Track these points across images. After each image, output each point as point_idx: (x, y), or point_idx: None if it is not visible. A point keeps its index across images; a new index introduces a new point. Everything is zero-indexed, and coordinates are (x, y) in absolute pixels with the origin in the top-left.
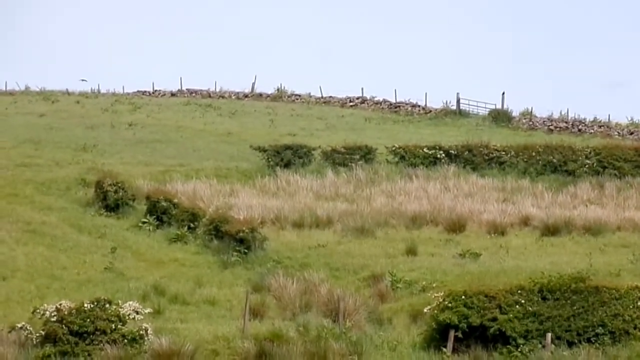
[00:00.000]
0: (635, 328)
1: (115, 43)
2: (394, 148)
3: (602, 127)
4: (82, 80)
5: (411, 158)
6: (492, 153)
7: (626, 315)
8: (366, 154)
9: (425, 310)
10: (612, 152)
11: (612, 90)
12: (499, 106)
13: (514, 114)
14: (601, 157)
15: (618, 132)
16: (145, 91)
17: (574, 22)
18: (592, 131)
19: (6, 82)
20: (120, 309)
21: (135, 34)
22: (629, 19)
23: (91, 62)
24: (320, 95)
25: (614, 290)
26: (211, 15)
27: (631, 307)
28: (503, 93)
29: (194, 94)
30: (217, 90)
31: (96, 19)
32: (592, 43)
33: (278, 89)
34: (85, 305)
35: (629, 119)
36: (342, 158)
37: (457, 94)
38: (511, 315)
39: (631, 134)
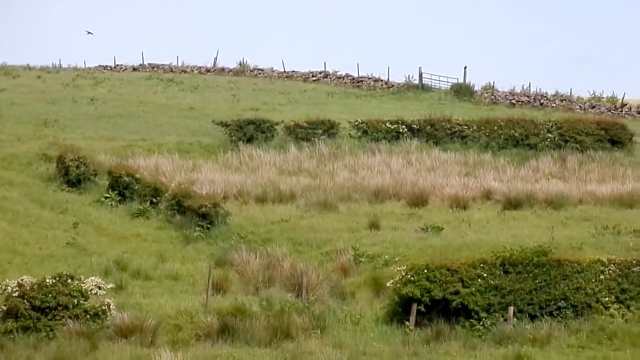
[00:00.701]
0: (597, 302)
1: (76, 17)
2: (356, 123)
3: (564, 101)
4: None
5: (374, 133)
6: (454, 127)
7: (588, 289)
8: (329, 129)
9: (388, 284)
10: (574, 125)
11: (578, 65)
12: (461, 80)
13: (476, 88)
14: (563, 131)
15: (580, 105)
16: (107, 66)
17: None
18: (554, 105)
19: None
20: (82, 284)
21: (97, 7)
22: None
23: (52, 36)
24: (282, 70)
25: (576, 264)
26: None
27: (593, 280)
28: (465, 67)
29: (155, 69)
30: (179, 64)
31: None
32: (558, 18)
33: (240, 64)
34: (47, 280)
35: (591, 92)
36: (304, 133)
37: (420, 68)
38: (473, 289)
39: (593, 107)
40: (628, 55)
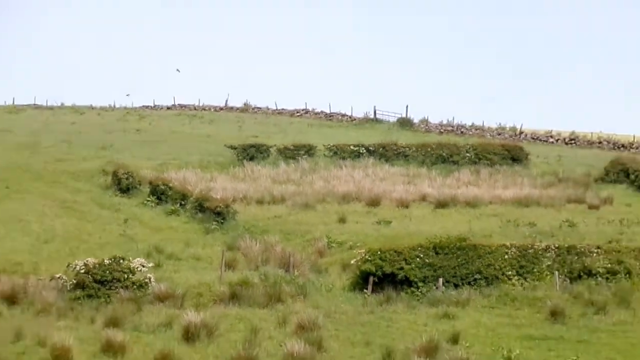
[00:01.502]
0: (503, 274)
1: (125, 68)
2: (329, 146)
3: (478, 130)
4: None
5: (341, 153)
6: (399, 149)
7: (496, 265)
8: (309, 150)
9: (352, 262)
10: (485, 147)
11: (486, 103)
12: (404, 115)
13: (414, 121)
14: (477, 152)
15: (489, 133)
16: (148, 105)
17: (457, 51)
18: (471, 133)
19: (47, 100)
20: (130, 264)
21: (141, 62)
22: (499, 51)
23: (109, 82)
24: (275, 108)
25: (487, 247)
26: (193, 47)
27: (500, 259)
28: (407, 106)
29: (183, 108)
30: (200, 104)
31: (112, 48)
32: (474, 66)
33: (245, 104)
34: (105, 261)
35: (498, 123)
36: (291, 153)
37: (374, 106)
38: (413, 266)
39: (499, 134)
40: (524, 97)
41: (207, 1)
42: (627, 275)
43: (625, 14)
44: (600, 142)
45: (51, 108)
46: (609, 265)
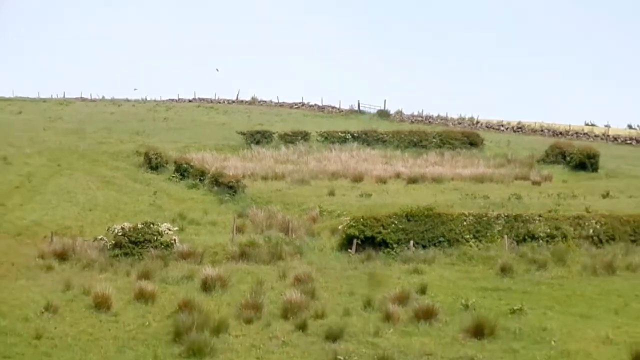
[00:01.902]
0: (462, 237)
1: (153, 65)
2: (321, 132)
3: (442, 120)
4: (217, 69)
5: (331, 138)
6: (378, 135)
7: (457, 230)
8: (304, 136)
9: (339, 227)
10: (448, 134)
11: (451, 98)
12: (382, 107)
13: (391, 112)
14: (442, 138)
15: (452, 123)
16: (173, 99)
17: (426, 54)
18: (437, 122)
19: (90, 94)
20: (159, 228)
21: (166, 61)
22: (460, 54)
23: (141, 77)
24: (277, 101)
25: (449, 215)
26: (211, 49)
27: (459, 225)
28: (385, 100)
29: (202, 100)
30: (216, 98)
31: (143, 46)
32: (441, 66)
33: (252, 98)
34: (139, 225)
35: (458, 115)
36: (290, 138)
37: (358, 100)
38: (389, 230)
39: (460, 124)
40: (480, 92)
41: (220, 16)
42: (564, 238)
43: (565, 14)
44: (542, 130)
45: (94, 100)
46: (549, 230)
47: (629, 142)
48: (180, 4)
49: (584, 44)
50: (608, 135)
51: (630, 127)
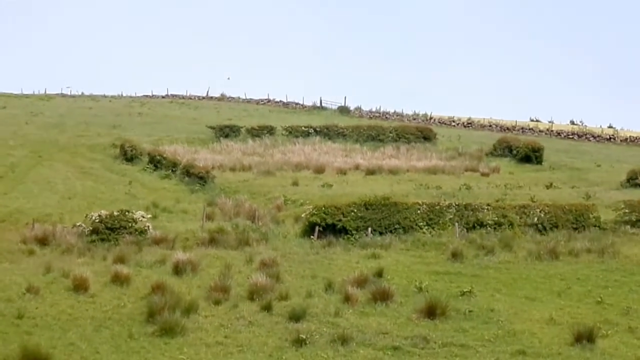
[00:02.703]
0: (416, 225)
1: (130, 63)
2: (286, 127)
3: (398, 116)
4: (228, 78)
5: (295, 132)
6: (339, 130)
7: (411, 218)
8: (270, 130)
9: (302, 215)
10: (404, 129)
11: (407, 96)
12: (342, 104)
13: (351, 108)
14: (398, 132)
15: (407, 119)
16: (148, 95)
17: (384, 54)
18: (393, 118)
19: (70, 90)
20: (133, 215)
21: (140, 58)
22: (413, 54)
23: (118, 74)
24: (245, 98)
25: (404, 204)
26: (182, 48)
27: (414, 213)
28: (345, 97)
29: (175, 97)
30: (187, 94)
31: (120, 45)
32: (399, 66)
33: (221, 94)
34: (115, 213)
35: (413, 111)
36: (257, 132)
37: (320, 97)
38: (349, 218)
39: (414, 119)
40: (433, 90)
41: (195, 13)
42: (510, 226)
43: (509, 13)
44: (490, 126)
45: (74, 96)
46: (496, 218)
47: (571, 136)
48: (156, 5)
49: (529, 43)
50: (552, 131)
51: (572, 122)
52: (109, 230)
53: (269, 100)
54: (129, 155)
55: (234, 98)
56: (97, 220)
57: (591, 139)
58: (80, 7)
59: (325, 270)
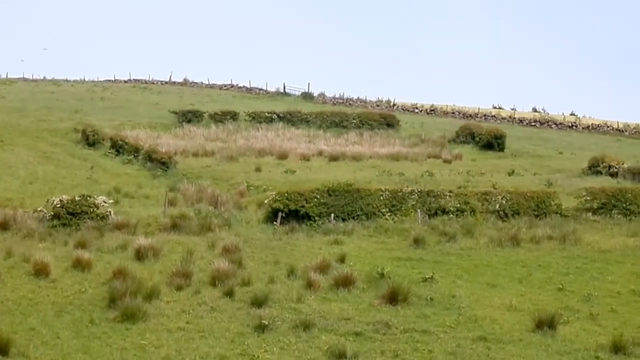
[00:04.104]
0: (378, 211)
1: (90, 47)
2: (249, 112)
3: (361, 102)
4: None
5: (258, 118)
6: (302, 116)
7: (374, 204)
8: (233, 116)
9: (265, 201)
10: (367, 116)
11: (371, 83)
12: (306, 90)
13: (314, 94)
14: (361, 119)
15: (370, 105)
16: (110, 79)
17: (347, 39)
18: (357, 105)
19: (32, 74)
20: (95, 200)
21: (102, 43)
22: (378, 39)
23: (81, 58)
24: (208, 83)
25: (367, 190)
26: (145, 32)
27: (376, 199)
28: (309, 82)
29: (137, 81)
30: (150, 79)
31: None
32: (358, 52)
33: (184, 79)
34: (76, 198)
35: (377, 97)
36: (220, 117)
37: (284, 83)
38: (312, 204)
39: (378, 106)
40: (397, 77)
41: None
42: (472, 212)
43: (476, 2)
44: (453, 113)
45: (36, 81)
46: (458, 205)
47: (533, 124)
48: None
49: (492, 30)
50: (514, 118)
51: (535, 110)
52: (70, 215)
53: (232, 86)
54: (90, 140)
55: (197, 83)
56: (58, 205)
57: (553, 126)
58: None
59: (288, 256)
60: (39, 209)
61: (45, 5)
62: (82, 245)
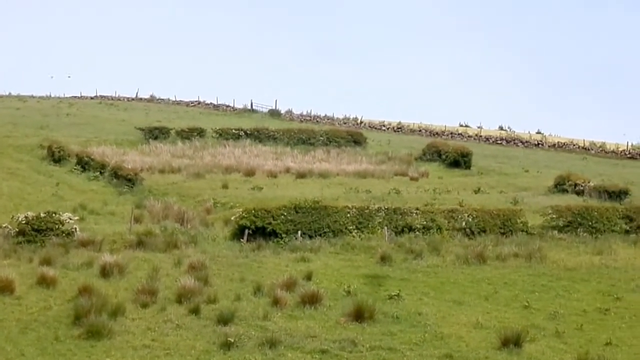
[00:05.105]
0: (345, 228)
1: (58, 63)
2: (216, 129)
3: (329, 120)
4: (68, 76)
5: (225, 135)
6: (270, 133)
7: (341, 221)
8: (200, 132)
9: (232, 218)
10: (334, 133)
11: (339, 101)
12: (273, 107)
13: (282, 112)
14: (328, 136)
15: (338, 122)
16: (76, 96)
17: (313, 57)
18: (324, 122)
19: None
20: (60, 217)
21: (68, 59)
22: (343, 58)
23: (45, 75)
24: (175, 99)
25: (334, 208)
26: (111, 48)
27: (343, 217)
28: (276, 100)
29: (103, 98)
30: (117, 95)
31: (48, 45)
32: (325, 70)
33: (151, 95)
34: (41, 214)
35: (344, 115)
36: (187, 134)
37: (251, 100)
38: (279, 221)
39: (345, 123)
40: (364, 95)
41: (121, 16)
42: (438, 230)
43: (441, 16)
44: (420, 130)
45: (1, 96)
46: (425, 222)
47: (499, 142)
48: (84, 5)
49: (458, 48)
50: (480, 136)
51: (501, 128)
52: (35, 232)
53: (199, 102)
54: (56, 157)
55: (163, 100)
56: (23, 222)
57: (519, 144)
58: (8, 5)
59: (255, 274)
60: (3, 225)
61: (12, 21)
62: (47, 262)
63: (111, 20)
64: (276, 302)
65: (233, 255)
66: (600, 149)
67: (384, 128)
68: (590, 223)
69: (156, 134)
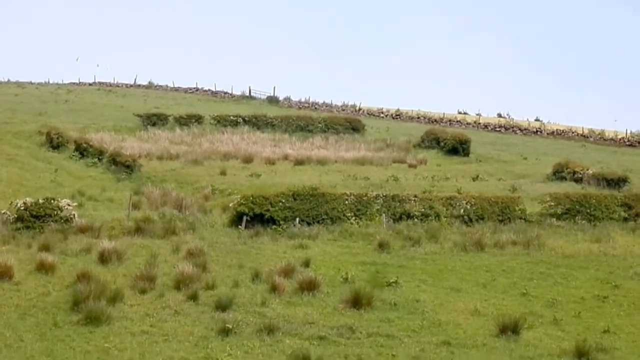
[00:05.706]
0: (343, 215)
1: (56, 49)
2: (214, 116)
3: (327, 107)
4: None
5: (223, 122)
6: (268, 120)
7: (339, 208)
8: (198, 119)
9: (230, 205)
10: (333, 120)
11: (336, 87)
12: (272, 94)
13: (280, 98)
14: (327, 123)
15: (336, 109)
16: (74, 82)
17: (313, 45)
18: (323, 109)
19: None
20: (59, 203)
21: (67, 46)
22: (343, 46)
23: (45, 60)
24: (173, 86)
25: (332, 195)
26: (110, 35)
27: (342, 204)
28: (274, 86)
29: (102, 84)
30: (115, 82)
31: (47, 31)
32: (324, 58)
33: (149, 82)
34: (40, 200)
35: (342, 102)
36: (185, 121)
37: (249, 86)
38: (277, 208)
39: (343, 110)
40: (364, 82)
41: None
42: (437, 217)
43: (440, 7)
44: (418, 117)
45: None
46: (423, 209)
47: (498, 129)
48: None
49: (457, 35)
50: (479, 123)
51: (499, 115)
52: (34, 218)
53: (197, 89)
54: (55, 143)
55: (162, 86)
56: (22, 208)
57: (518, 131)
58: None
59: (253, 260)
60: (2, 211)
61: (11, 7)
62: (45, 248)
63: (110, 7)
64: (274, 288)
65: (231, 242)
66: (599, 136)
67: (382, 115)
68: (588, 211)
69: (154, 120)
